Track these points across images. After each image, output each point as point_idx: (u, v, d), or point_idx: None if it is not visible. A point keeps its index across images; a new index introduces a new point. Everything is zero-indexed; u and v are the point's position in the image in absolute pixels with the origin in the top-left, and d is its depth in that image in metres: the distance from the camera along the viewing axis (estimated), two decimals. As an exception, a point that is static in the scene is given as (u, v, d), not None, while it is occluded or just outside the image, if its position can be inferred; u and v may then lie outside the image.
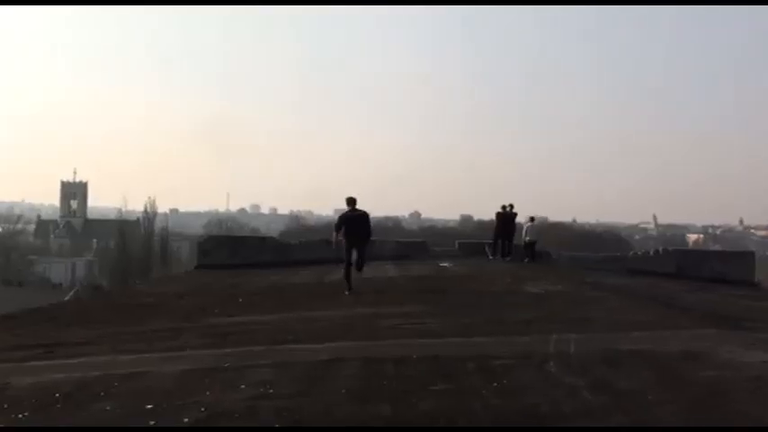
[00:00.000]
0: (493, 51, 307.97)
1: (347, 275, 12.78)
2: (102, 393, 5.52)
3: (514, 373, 5.80)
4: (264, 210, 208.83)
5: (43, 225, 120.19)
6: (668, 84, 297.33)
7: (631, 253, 25.68)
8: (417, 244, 24.64)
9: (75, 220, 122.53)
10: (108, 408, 5.07)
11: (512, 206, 21.18)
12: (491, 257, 21.34)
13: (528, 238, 21.11)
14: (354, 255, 12.81)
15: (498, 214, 21.34)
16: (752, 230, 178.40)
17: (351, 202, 12.92)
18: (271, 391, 5.39)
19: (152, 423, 4.67)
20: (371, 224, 13.42)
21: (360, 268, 12.95)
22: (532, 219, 21.85)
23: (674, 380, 5.55)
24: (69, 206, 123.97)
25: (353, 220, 12.82)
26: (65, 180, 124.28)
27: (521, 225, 21.90)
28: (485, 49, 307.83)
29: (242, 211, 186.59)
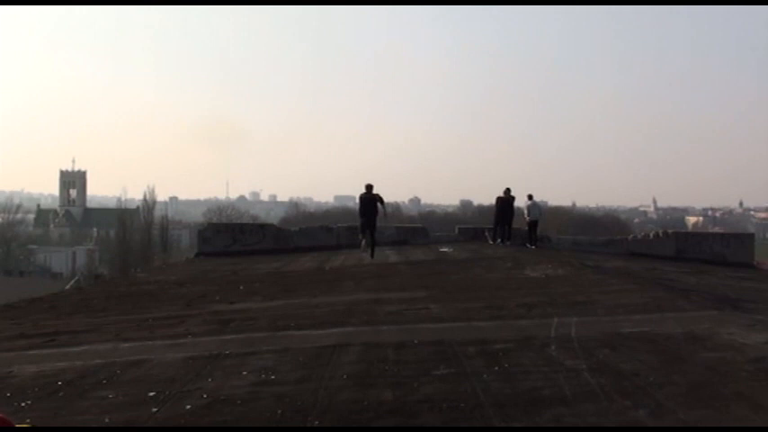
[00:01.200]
0: (494, 42, 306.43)
1: (363, 240, 16.84)
2: (104, 381, 5.55)
3: (516, 357, 5.81)
4: (264, 197, 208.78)
5: (43, 214, 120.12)
6: (668, 68, 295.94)
7: (631, 236, 25.65)
8: (417, 229, 24.61)
9: (74, 209, 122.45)
10: (110, 395, 5.09)
11: (508, 190, 21.15)
12: (491, 242, 21.37)
13: (529, 218, 21.11)
14: (368, 235, 16.65)
15: (498, 199, 21.35)
16: (751, 213, 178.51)
17: (367, 187, 16.59)
18: (272, 377, 5.40)
19: (154, 410, 4.68)
20: (384, 202, 17.16)
21: (372, 236, 16.68)
22: (530, 197, 21.59)
23: (675, 362, 5.56)
24: (68, 195, 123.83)
25: (364, 200, 16.60)
26: (64, 169, 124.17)
27: (520, 209, 21.83)
28: (485, 40, 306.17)
29: (241, 198, 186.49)
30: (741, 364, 5.39)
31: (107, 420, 4.54)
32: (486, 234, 22.23)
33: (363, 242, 16.87)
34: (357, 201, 17.22)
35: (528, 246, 20.29)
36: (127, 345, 7.16)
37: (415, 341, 6.51)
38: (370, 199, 16.48)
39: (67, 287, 34.47)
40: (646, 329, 6.81)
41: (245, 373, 5.58)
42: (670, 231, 24.61)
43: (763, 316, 7.81)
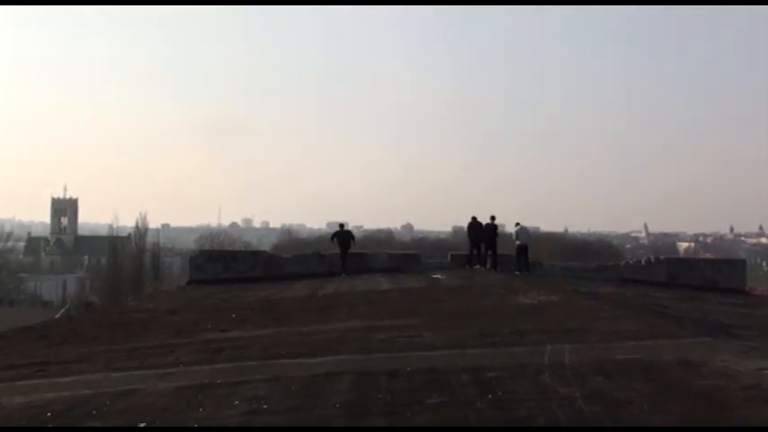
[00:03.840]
0: (486, 61, 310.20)
1: (342, 266, 21.49)
2: (94, 412, 5.47)
3: (509, 385, 5.78)
4: (256, 223, 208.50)
5: (34, 242, 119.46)
6: (659, 93, 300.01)
7: (623, 262, 25.73)
8: (410, 256, 24.61)
9: (65, 236, 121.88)
10: (100, 426, 5.02)
11: (474, 218, 21.79)
12: (484, 268, 21.43)
13: (518, 243, 21.34)
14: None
15: (486, 225, 21.75)
16: (742, 238, 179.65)
17: (341, 225, 22.97)
18: (264, 406, 5.35)
19: (145, 441, 4.62)
20: (354, 235, 23.35)
21: (344, 267, 21.46)
22: (517, 224, 22.05)
23: (668, 389, 5.54)
24: (60, 223, 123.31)
25: (339, 235, 22.31)
26: (55, 196, 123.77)
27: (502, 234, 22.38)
28: (477, 59, 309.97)
29: (234, 225, 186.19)
30: (734, 392, 5.38)
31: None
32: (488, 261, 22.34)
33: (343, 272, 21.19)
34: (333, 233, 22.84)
35: (517, 272, 20.31)
36: (117, 374, 7.09)
37: (408, 369, 6.47)
38: (343, 233, 22.24)
39: (57, 316, 34.15)
40: (639, 356, 6.80)
41: (236, 402, 5.52)
42: (662, 257, 24.75)
43: (756, 343, 7.81)
